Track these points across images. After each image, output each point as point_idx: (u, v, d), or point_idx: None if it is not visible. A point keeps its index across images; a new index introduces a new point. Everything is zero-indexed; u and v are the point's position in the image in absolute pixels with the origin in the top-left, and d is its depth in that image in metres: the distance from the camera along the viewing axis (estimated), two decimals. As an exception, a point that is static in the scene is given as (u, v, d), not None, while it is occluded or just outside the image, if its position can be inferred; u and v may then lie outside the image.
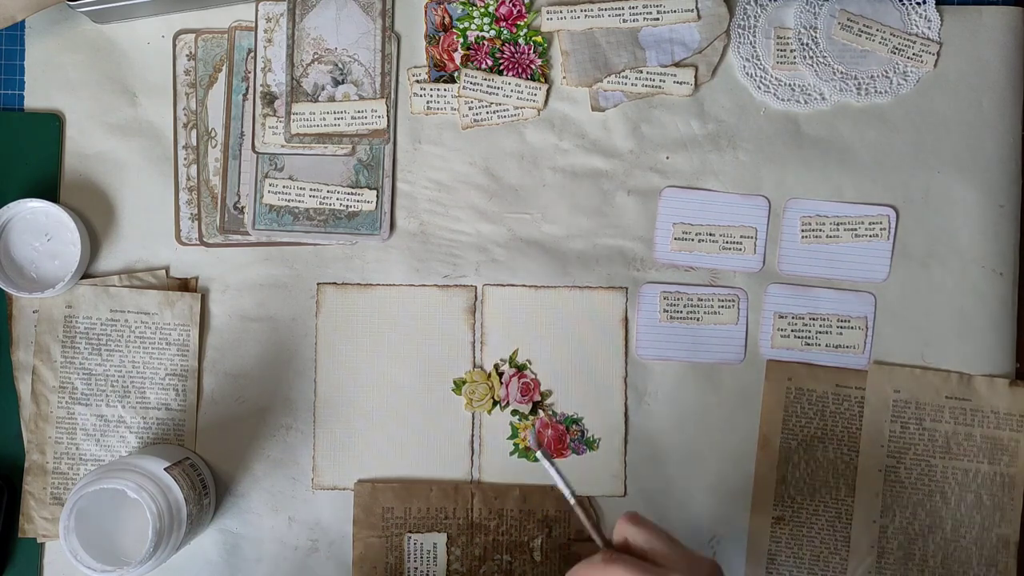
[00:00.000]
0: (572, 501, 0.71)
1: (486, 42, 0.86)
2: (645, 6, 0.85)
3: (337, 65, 0.86)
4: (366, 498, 0.84)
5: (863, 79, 0.86)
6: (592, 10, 0.85)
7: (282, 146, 0.85)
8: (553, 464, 0.72)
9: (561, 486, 0.71)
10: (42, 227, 0.84)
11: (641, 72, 0.86)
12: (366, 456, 0.85)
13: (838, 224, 0.86)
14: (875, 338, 0.86)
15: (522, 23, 0.86)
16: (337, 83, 0.86)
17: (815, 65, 0.86)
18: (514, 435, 0.86)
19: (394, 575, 0.84)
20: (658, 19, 0.85)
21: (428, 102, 0.86)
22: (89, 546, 0.75)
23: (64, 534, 0.74)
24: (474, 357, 0.86)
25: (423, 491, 0.85)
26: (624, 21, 0.85)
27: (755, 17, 0.86)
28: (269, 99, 0.85)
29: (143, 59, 0.86)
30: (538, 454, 0.72)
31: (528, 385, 0.86)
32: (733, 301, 0.86)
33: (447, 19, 0.86)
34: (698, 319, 0.86)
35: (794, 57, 0.86)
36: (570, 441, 0.86)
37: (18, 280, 0.84)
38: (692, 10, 0.85)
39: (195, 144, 0.86)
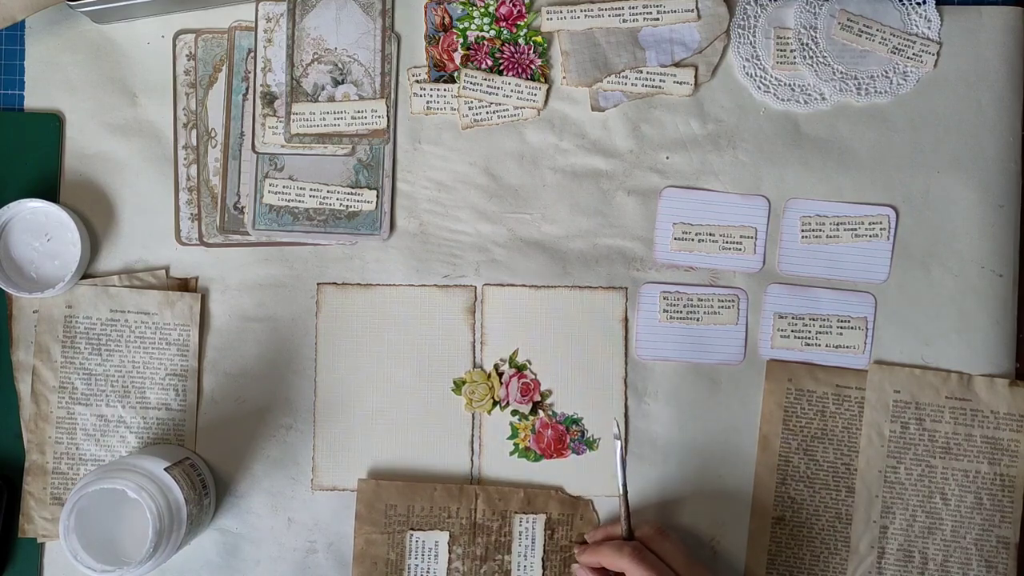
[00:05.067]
0: (621, 490, 0.80)
1: (486, 42, 0.86)
2: (645, 6, 0.85)
3: (337, 65, 0.86)
4: (369, 495, 0.84)
5: (863, 79, 0.86)
6: (592, 10, 0.85)
7: (282, 146, 0.85)
8: (623, 455, 0.81)
9: (619, 474, 0.80)
10: (42, 227, 0.84)
11: (641, 72, 0.86)
12: (366, 456, 0.85)
13: (838, 224, 0.86)
14: (875, 338, 0.86)
15: (522, 23, 0.86)
16: (337, 83, 0.86)
17: (815, 65, 0.86)
18: (514, 435, 0.86)
19: (395, 572, 0.84)
20: (658, 19, 0.85)
21: (428, 102, 0.86)
22: (89, 546, 0.75)
23: (64, 534, 0.74)
24: (474, 357, 0.86)
25: (427, 490, 0.84)
26: (624, 21, 0.85)
27: (755, 17, 0.86)
28: (269, 99, 0.85)
29: (143, 59, 0.86)
30: (616, 443, 0.80)
31: (528, 385, 0.86)
32: (733, 301, 0.86)
33: (447, 19, 0.86)
34: (698, 319, 0.86)
35: (794, 57, 0.86)
36: (570, 441, 0.86)
37: (18, 280, 0.84)
38: (692, 10, 0.85)
39: (195, 144, 0.86)
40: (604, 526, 0.84)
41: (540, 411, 0.86)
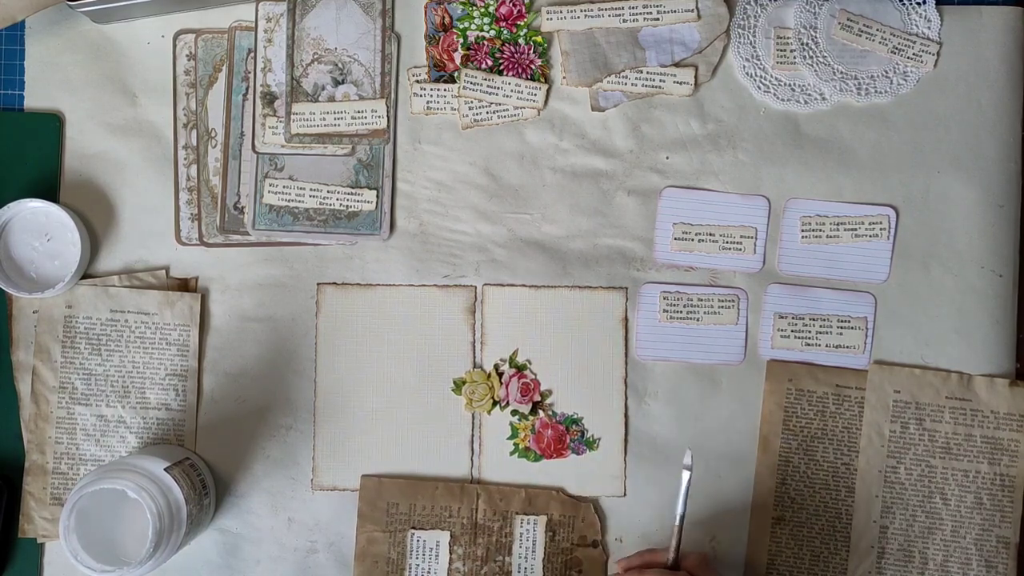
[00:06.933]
0: (678, 521, 0.77)
1: (486, 42, 0.86)
2: (645, 6, 0.85)
3: (337, 65, 0.86)
4: (371, 493, 0.84)
5: (863, 79, 0.86)
6: (592, 10, 0.85)
7: (282, 146, 0.85)
8: (689, 485, 0.78)
9: (680, 503, 0.77)
10: (42, 227, 0.84)
11: (641, 72, 0.86)
12: (366, 456, 0.85)
13: (838, 224, 0.86)
14: (875, 338, 0.86)
15: (522, 23, 0.86)
16: (337, 83, 0.86)
17: (815, 65, 0.86)
18: (514, 435, 0.86)
19: (395, 570, 0.84)
20: (658, 19, 0.85)
21: (428, 102, 0.86)
22: (89, 546, 0.75)
23: (64, 534, 0.74)
24: (474, 357, 0.86)
25: (429, 489, 0.84)
26: (624, 21, 0.85)
27: (755, 17, 0.86)
28: (269, 99, 0.85)
29: (143, 59, 0.86)
30: (685, 473, 0.78)
31: (528, 385, 0.86)
32: (733, 301, 0.86)
33: (447, 19, 0.86)
34: (698, 319, 0.86)
35: (794, 57, 0.86)
36: (570, 441, 0.86)
37: (18, 280, 0.84)
38: (692, 10, 0.85)
39: (195, 144, 0.86)
40: (642, 552, 0.81)
41: (540, 411, 0.86)
